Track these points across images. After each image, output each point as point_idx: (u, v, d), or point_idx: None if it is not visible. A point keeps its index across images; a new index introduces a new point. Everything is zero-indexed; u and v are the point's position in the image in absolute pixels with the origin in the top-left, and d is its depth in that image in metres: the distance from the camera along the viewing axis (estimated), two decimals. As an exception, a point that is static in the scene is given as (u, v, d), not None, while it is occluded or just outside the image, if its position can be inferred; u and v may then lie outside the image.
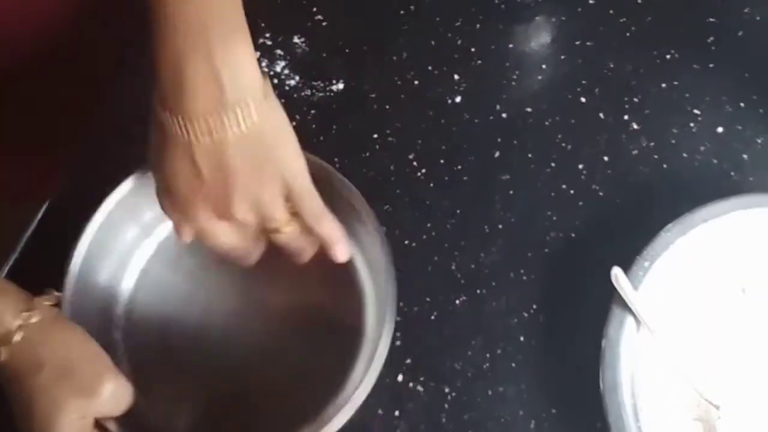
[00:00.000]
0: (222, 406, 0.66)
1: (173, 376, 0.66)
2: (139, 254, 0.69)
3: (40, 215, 0.74)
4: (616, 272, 0.62)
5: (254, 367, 0.66)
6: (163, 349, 0.67)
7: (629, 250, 0.64)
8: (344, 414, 0.58)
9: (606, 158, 0.73)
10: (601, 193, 0.72)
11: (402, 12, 0.80)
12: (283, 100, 0.75)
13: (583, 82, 0.76)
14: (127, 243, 0.68)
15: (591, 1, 0.80)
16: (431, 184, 0.73)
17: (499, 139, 0.74)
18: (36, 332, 0.55)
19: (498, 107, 0.75)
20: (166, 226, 0.69)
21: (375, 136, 0.75)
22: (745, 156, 0.71)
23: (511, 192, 0.72)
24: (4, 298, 0.55)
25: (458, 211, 0.72)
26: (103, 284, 0.66)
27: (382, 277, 0.62)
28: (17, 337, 0.54)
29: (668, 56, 0.76)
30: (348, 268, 0.67)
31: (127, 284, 0.69)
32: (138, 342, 0.67)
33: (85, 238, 0.63)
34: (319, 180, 0.60)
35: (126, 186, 0.65)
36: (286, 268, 0.64)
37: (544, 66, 0.77)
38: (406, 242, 0.71)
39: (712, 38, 0.76)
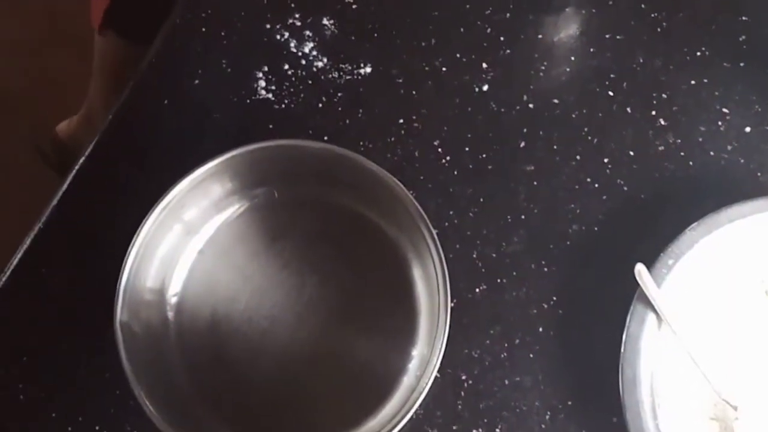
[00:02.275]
0: (268, 400, 0.66)
1: (222, 370, 0.67)
2: (186, 252, 0.69)
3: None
4: (640, 268, 0.62)
5: (302, 362, 0.67)
6: (213, 346, 0.68)
7: (652, 247, 0.64)
8: (400, 416, 0.59)
9: (632, 153, 0.72)
10: (625, 188, 0.71)
11: (432, -2, 0.80)
12: (309, 82, 0.76)
13: (612, 75, 0.75)
14: (172, 241, 0.68)
15: (623, -6, 0.79)
16: (455, 172, 0.73)
17: (524, 130, 0.74)
18: None
19: (525, 97, 0.75)
20: (212, 224, 0.70)
21: (401, 121, 0.75)
22: (772, 157, 0.71)
23: (535, 183, 0.72)
24: None
25: (481, 200, 0.72)
26: (151, 287, 0.66)
27: (437, 287, 0.62)
28: None
29: (699, 53, 0.75)
30: (402, 269, 0.68)
31: (175, 284, 0.69)
32: (189, 342, 0.68)
33: (138, 241, 0.63)
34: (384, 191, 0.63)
35: (175, 191, 0.64)
36: (338, 265, 0.67)
37: (572, 58, 0.77)
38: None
39: (743, 37, 0.76)
